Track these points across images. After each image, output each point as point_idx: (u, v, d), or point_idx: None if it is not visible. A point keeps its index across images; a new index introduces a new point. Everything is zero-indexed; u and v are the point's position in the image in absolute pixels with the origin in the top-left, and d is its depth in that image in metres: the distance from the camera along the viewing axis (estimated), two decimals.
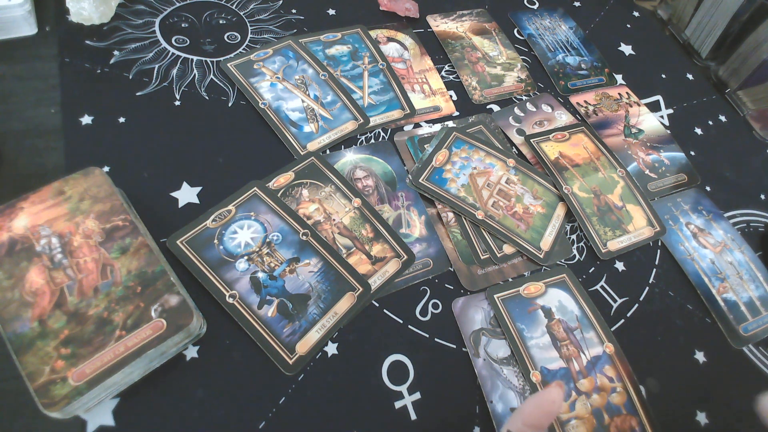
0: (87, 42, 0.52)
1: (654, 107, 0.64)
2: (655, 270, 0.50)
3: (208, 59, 0.54)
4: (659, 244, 0.52)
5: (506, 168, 0.52)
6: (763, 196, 0.59)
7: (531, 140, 0.55)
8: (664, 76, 0.69)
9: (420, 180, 0.49)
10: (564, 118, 0.60)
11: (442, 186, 0.49)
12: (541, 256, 0.47)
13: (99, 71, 0.50)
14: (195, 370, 0.37)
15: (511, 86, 0.61)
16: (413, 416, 0.39)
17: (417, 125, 0.55)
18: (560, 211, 0.51)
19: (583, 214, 0.51)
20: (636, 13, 0.77)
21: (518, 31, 0.68)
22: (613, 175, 0.54)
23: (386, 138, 0.53)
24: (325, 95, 0.54)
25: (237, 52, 0.56)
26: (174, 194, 0.45)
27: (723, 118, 0.66)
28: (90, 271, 0.35)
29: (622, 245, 0.50)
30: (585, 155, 0.56)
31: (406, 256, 0.45)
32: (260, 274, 0.41)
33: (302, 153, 0.49)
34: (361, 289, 0.42)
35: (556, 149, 0.55)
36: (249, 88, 0.52)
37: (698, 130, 0.64)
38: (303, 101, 0.53)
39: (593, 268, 0.49)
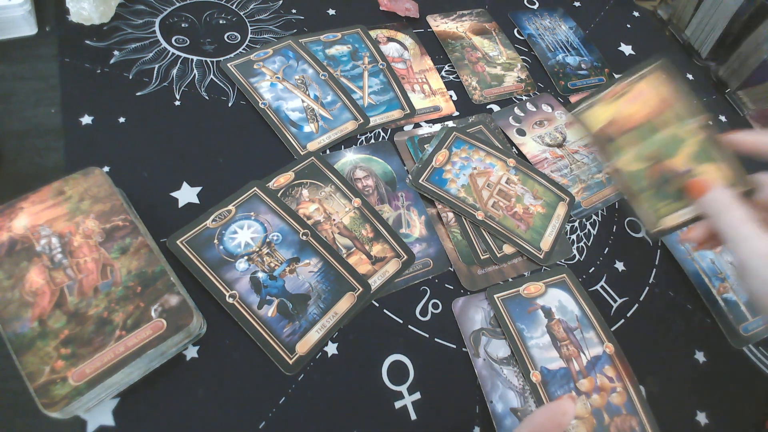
0: (87, 42, 0.52)
1: None
2: (655, 270, 0.50)
3: (208, 59, 0.54)
4: (659, 243, 0.52)
5: (506, 168, 0.52)
6: None
7: (573, 111, 0.48)
8: None
9: (420, 180, 0.49)
10: (564, 117, 0.60)
11: (442, 186, 0.49)
12: (541, 257, 0.47)
13: (99, 71, 0.50)
14: (195, 370, 0.37)
15: (511, 86, 0.61)
16: (413, 416, 0.39)
17: (417, 125, 0.55)
18: (560, 211, 0.51)
19: (630, 192, 0.43)
20: (636, 13, 0.77)
21: (518, 31, 0.68)
22: (681, 131, 0.42)
23: (386, 138, 0.53)
24: (325, 95, 0.54)
25: (237, 52, 0.56)
26: (174, 194, 0.45)
27: (723, 118, 0.66)
28: (90, 271, 0.35)
29: (683, 220, 0.41)
30: (646, 110, 0.44)
31: (406, 256, 0.45)
32: (260, 274, 0.41)
33: (302, 153, 0.49)
34: (361, 289, 0.42)
35: (606, 114, 0.45)
36: (249, 88, 0.52)
37: None
38: (303, 101, 0.53)
39: (593, 268, 0.49)
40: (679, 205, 0.41)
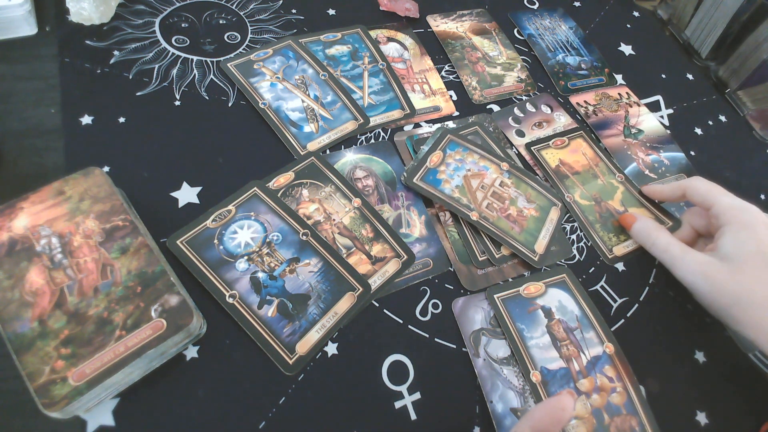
0: (87, 42, 0.52)
1: (654, 107, 0.64)
2: (655, 270, 0.50)
3: (208, 59, 0.54)
4: None
5: (500, 171, 0.52)
6: (763, 196, 0.59)
7: (532, 148, 0.55)
8: (664, 76, 0.69)
9: (414, 179, 0.49)
10: (563, 119, 0.60)
11: (437, 186, 0.49)
12: (536, 259, 0.47)
13: (99, 71, 0.50)
14: (195, 370, 0.37)
15: (511, 86, 0.61)
16: (413, 416, 0.39)
17: (417, 125, 0.55)
18: (553, 215, 0.50)
19: (586, 221, 0.51)
20: (636, 13, 0.77)
21: (518, 31, 0.68)
22: (612, 181, 0.54)
23: (386, 138, 0.53)
24: (325, 95, 0.54)
25: (237, 52, 0.56)
26: (174, 194, 0.45)
27: (723, 118, 0.66)
28: (90, 271, 0.35)
29: (629, 249, 0.50)
30: (584, 162, 0.55)
31: (406, 256, 0.45)
32: (260, 274, 0.41)
33: (302, 153, 0.49)
34: (361, 289, 0.42)
35: (556, 156, 0.55)
36: (249, 88, 0.52)
37: (698, 130, 0.64)
38: (303, 101, 0.53)
39: (593, 268, 0.49)
40: (622, 238, 0.51)
